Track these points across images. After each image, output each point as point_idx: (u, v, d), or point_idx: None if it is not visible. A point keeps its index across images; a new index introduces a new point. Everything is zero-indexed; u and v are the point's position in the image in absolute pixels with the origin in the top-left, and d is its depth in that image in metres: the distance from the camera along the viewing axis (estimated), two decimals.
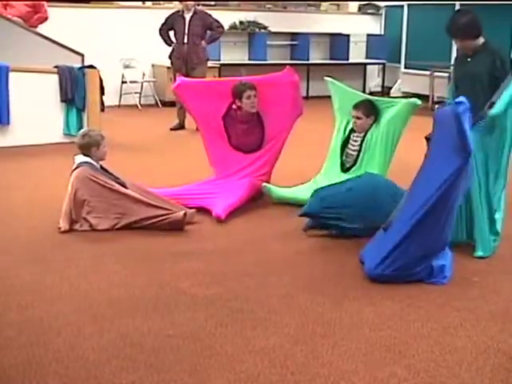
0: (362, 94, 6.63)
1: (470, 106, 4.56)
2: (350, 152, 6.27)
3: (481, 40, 5.19)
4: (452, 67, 5.56)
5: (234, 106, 6.26)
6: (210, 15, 9.94)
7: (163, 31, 9.94)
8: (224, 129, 6.29)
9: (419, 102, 6.03)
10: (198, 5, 11.93)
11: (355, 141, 6.25)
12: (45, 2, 10.09)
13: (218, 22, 9.91)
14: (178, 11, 9.87)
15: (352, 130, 6.30)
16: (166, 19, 9.93)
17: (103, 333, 3.66)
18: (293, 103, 6.20)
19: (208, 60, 10.15)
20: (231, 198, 5.86)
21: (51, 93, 8.60)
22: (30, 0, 9.82)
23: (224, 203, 5.75)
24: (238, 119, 6.24)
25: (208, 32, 9.88)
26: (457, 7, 12.64)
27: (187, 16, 9.71)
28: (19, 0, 9.74)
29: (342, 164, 6.31)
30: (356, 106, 6.19)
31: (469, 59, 5.24)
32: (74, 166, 5.43)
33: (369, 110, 6.16)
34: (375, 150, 6.12)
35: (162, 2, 13.58)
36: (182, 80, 6.50)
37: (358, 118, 6.16)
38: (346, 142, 6.32)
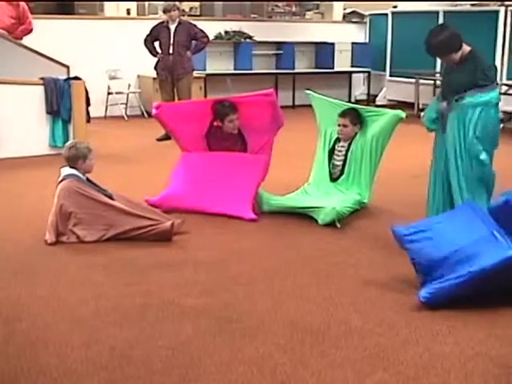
0: (343, 103, 6.66)
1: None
2: (336, 163, 6.31)
3: (466, 49, 5.20)
4: (443, 71, 5.59)
5: (215, 124, 6.28)
6: (194, 25, 9.96)
7: (148, 42, 9.95)
8: (207, 146, 6.31)
9: (404, 114, 6.05)
10: (183, 15, 11.97)
11: (340, 151, 6.29)
12: (29, 14, 10.08)
13: (202, 31, 9.93)
14: (163, 22, 9.89)
15: (337, 140, 6.33)
16: (151, 30, 9.94)
17: (91, 344, 3.64)
18: (272, 118, 6.20)
19: (194, 70, 10.17)
20: (245, 193, 5.97)
21: (37, 104, 8.58)
22: (15, 11, 9.80)
23: (245, 202, 5.92)
24: (220, 136, 6.26)
25: (193, 42, 9.90)
26: (440, 14, 12.72)
27: (172, 26, 9.73)
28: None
29: (330, 174, 6.34)
30: (342, 114, 6.22)
31: (455, 67, 5.26)
32: (60, 178, 5.41)
33: (355, 118, 6.20)
34: (361, 161, 6.17)
35: (146, 13, 13.62)
36: (160, 105, 6.51)
37: (344, 125, 6.19)
38: (331, 153, 6.35)
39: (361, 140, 6.18)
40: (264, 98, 6.19)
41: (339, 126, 6.23)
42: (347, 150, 6.23)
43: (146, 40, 9.95)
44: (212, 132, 6.30)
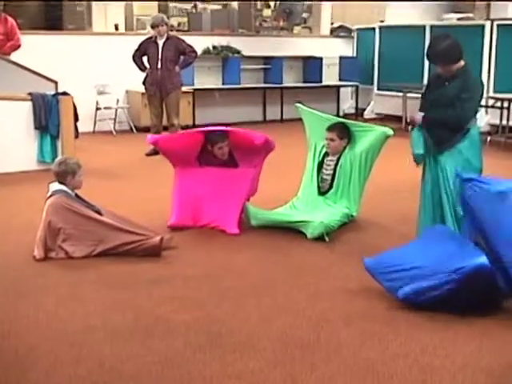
0: (332, 117, 6.69)
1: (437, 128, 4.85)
2: (325, 176, 6.33)
3: (461, 63, 5.23)
4: (427, 88, 5.58)
5: (207, 147, 6.29)
6: (182, 40, 9.98)
7: (136, 57, 9.96)
8: (199, 165, 6.34)
9: (391, 132, 6.07)
10: (172, 30, 12.00)
11: (329, 165, 6.31)
12: (17, 30, 10.09)
13: (190, 46, 9.95)
14: (151, 37, 9.90)
15: (326, 154, 6.35)
16: (139, 45, 9.95)
17: (81, 361, 3.63)
18: (264, 145, 6.19)
19: (182, 85, 10.17)
20: (232, 206, 6.01)
21: (25, 120, 8.56)
22: (3, 27, 9.82)
23: (232, 217, 5.98)
24: (211, 159, 6.27)
25: (181, 57, 9.91)
26: (427, 29, 12.81)
27: (160, 42, 9.75)
28: None
29: (319, 188, 6.35)
30: (330, 128, 6.24)
31: (447, 83, 5.26)
32: (49, 193, 5.40)
33: (342, 132, 6.22)
34: (350, 175, 6.19)
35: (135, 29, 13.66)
36: (155, 137, 6.56)
37: (331, 139, 6.22)
38: (320, 167, 6.37)
39: (349, 154, 6.21)
40: (257, 140, 6.13)
41: (327, 139, 6.25)
42: (336, 164, 6.26)
43: (134, 55, 9.96)
44: (204, 155, 6.31)
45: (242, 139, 6.16)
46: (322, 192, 6.33)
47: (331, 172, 6.28)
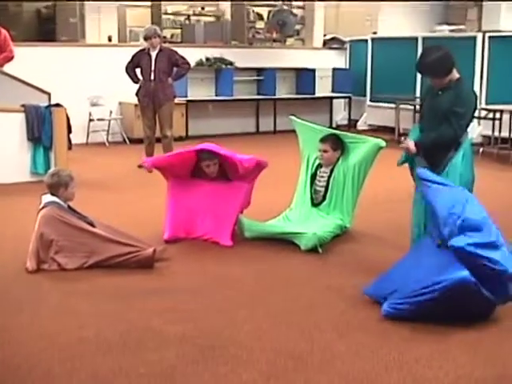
0: (327, 129, 6.71)
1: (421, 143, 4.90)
2: (318, 188, 6.34)
3: (455, 76, 5.23)
4: (423, 99, 5.61)
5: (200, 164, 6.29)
6: (175, 52, 9.98)
7: (129, 69, 9.96)
8: (192, 178, 6.34)
9: (384, 143, 6.09)
10: (165, 42, 12.02)
11: (322, 176, 6.32)
12: (10, 42, 10.09)
13: (183, 58, 9.95)
14: (144, 49, 9.90)
15: (319, 166, 6.37)
16: (132, 57, 9.95)
17: (73, 373, 3.62)
18: (254, 167, 6.18)
19: (175, 97, 10.17)
20: (225, 219, 6.01)
21: (18, 132, 8.55)
22: None
23: (225, 229, 5.98)
24: (204, 173, 6.26)
25: (174, 69, 9.92)
26: (419, 40, 12.87)
27: (153, 53, 9.75)
28: None
29: (312, 199, 6.36)
30: (323, 140, 6.26)
31: (440, 92, 5.27)
32: (41, 205, 5.39)
33: (335, 143, 6.24)
34: (344, 187, 6.20)
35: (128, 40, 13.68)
36: (150, 160, 6.53)
37: (325, 151, 6.23)
38: (313, 178, 6.38)
39: (343, 166, 6.22)
40: (244, 163, 6.12)
41: (320, 151, 6.27)
42: (329, 176, 6.27)
43: (127, 67, 9.96)
44: (197, 171, 6.31)
45: (233, 162, 6.14)
46: (316, 204, 6.34)
47: (324, 184, 6.29)
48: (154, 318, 4.36)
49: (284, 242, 5.92)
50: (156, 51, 9.73)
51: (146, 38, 9.88)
